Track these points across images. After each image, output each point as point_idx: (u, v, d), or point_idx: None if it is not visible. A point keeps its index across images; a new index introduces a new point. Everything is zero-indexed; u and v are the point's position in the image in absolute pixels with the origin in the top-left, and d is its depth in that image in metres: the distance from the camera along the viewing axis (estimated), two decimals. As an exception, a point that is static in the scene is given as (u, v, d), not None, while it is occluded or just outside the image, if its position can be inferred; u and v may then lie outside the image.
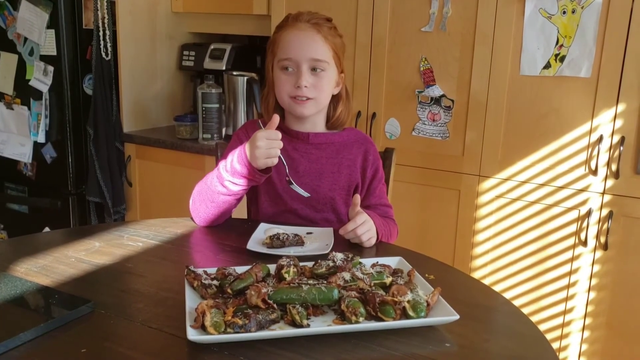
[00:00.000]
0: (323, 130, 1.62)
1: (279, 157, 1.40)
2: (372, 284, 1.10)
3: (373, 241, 1.41)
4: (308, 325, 0.99)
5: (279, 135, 1.38)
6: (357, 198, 1.43)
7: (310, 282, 1.06)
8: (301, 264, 1.18)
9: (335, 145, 1.60)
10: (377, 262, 1.21)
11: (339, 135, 1.62)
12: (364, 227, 1.38)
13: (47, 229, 2.95)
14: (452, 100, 2.25)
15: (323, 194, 1.56)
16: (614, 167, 2.01)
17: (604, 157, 2.03)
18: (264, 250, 1.32)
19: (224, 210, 1.48)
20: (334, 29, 1.54)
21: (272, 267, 1.16)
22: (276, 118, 1.40)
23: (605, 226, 2.05)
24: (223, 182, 1.43)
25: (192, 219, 1.53)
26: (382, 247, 1.43)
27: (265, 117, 1.62)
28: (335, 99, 1.60)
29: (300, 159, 1.58)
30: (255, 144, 1.36)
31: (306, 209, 1.56)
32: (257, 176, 1.41)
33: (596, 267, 2.10)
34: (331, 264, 1.16)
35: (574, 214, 2.10)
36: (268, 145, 1.36)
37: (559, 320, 2.19)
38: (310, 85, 1.50)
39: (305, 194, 1.48)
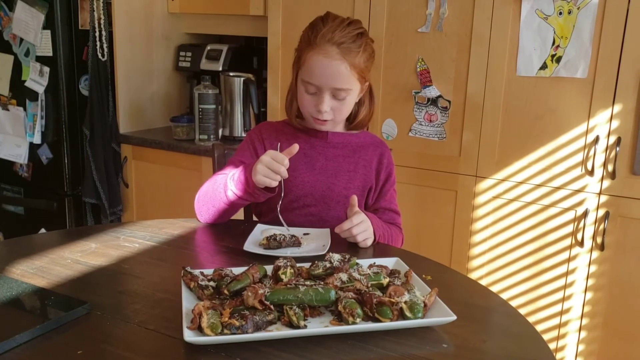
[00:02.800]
0: (342, 130, 1.64)
1: (280, 183, 1.40)
2: (369, 285, 1.10)
3: (369, 242, 1.41)
4: (305, 326, 0.99)
5: (285, 160, 1.36)
6: (354, 199, 1.44)
7: (307, 283, 1.06)
8: (298, 264, 1.18)
9: (352, 146, 1.62)
10: (374, 263, 1.21)
11: (356, 136, 1.63)
12: (360, 227, 1.38)
13: (42, 230, 2.95)
14: (449, 101, 2.25)
15: (337, 192, 1.57)
16: (610, 167, 2.02)
17: (600, 158, 2.03)
18: (261, 251, 1.32)
19: (225, 214, 1.51)
20: (364, 46, 1.49)
21: (269, 268, 1.16)
22: (295, 148, 1.39)
23: (601, 227, 2.05)
24: (226, 191, 1.45)
25: (197, 219, 1.54)
26: (379, 248, 1.43)
27: (288, 111, 1.63)
28: (357, 104, 1.60)
29: (317, 156, 1.59)
30: (259, 159, 1.37)
31: (319, 205, 1.57)
32: (257, 193, 1.41)
33: (593, 268, 2.10)
34: (328, 264, 1.16)
35: (570, 215, 2.11)
36: (270, 164, 1.35)
37: (556, 321, 2.19)
38: (330, 109, 1.51)
39: (285, 225, 1.47)
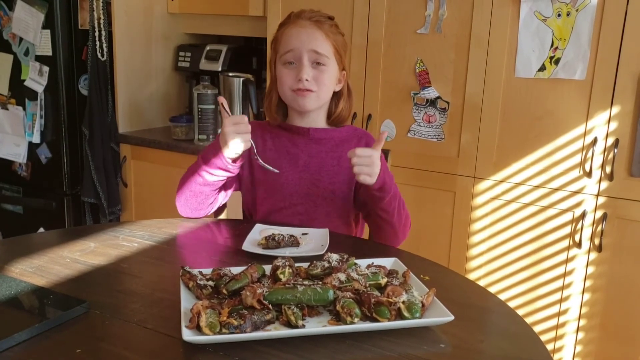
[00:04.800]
0: (323, 126, 1.64)
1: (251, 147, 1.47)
2: (367, 285, 1.11)
3: (367, 180, 1.40)
4: (303, 326, 0.99)
5: (245, 118, 1.44)
6: (384, 134, 1.46)
7: (306, 282, 1.06)
8: (296, 264, 1.19)
9: (335, 140, 1.62)
10: (372, 263, 1.21)
11: (339, 131, 1.64)
12: (360, 160, 1.38)
13: (41, 230, 2.95)
14: (448, 102, 2.25)
15: (323, 188, 1.57)
16: (608, 169, 2.02)
17: (598, 160, 2.04)
18: (260, 251, 1.33)
19: (202, 200, 1.53)
20: (335, 27, 1.57)
21: (268, 268, 1.16)
22: (222, 99, 1.47)
23: (599, 228, 2.06)
24: (200, 172, 1.48)
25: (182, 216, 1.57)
26: (377, 248, 1.43)
27: (267, 115, 1.65)
28: (336, 96, 1.62)
29: (300, 153, 1.59)
30: (224, 131, 1.42)
31: (306, 203, 1.57)
32: (230, 166, 1.46)
33: (590, 269, 2.10)
34: (326, 264, 1.16)
35: (568, 216, 2.11)
36: (237, 129, 1.42)
37: (553, 322, 2.20)
38: (312, 78, 1.52)
39: (274, 170, 1.51)
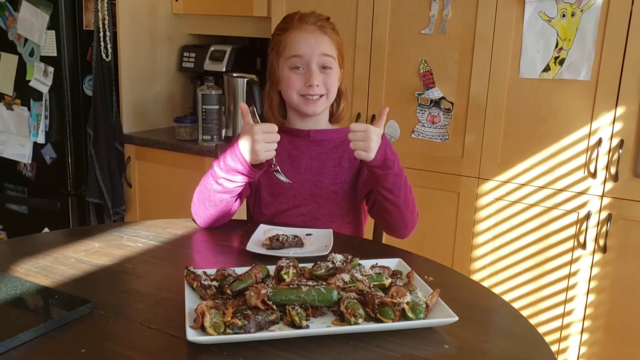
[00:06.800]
0: (324, 127, 1.65)
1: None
2: (371, 286, 1.11)
3: (362, 155, 1.39)
4: (307, 327, 0.99)
5: (275, 127, 1.41)
6: (385, 110, 1.46)
7: (310, 283, 1.06)
8: (300, 265, 1.19)
9: (335, 141, 1.62)
10: (377, 264, 1.21)
11: (339, 131, 1.64)
12: (355, 135, 1.37)
13: (46, 230, 2.96)
14: (452, 103, 2.25)
15: (325, 189, 1.58)
16: (613, 170, 2.02)
17: (603, 160, 2.03)
18: (264, 251, 1.33)
19: (222, 209, 1.48)
20: (335, 29, 1.59)
21: (272, 268, 1.17)
22: (244, 106, 1.44)
23: (604, 229, 2.05)
24: (218, 180, 1.44)
25: (194, 221, 1.54)
26: (381, 249, 1.43)
27: (268, 114, 1.65)
28: (337, 94, 1.63)
29: (301, 156, 1.60)
30: (253, 138, 1.38)
31: (309, 204, 1.57)
32: (252, 172, 1.42)
33: (595, 270, 2.10)
34: (330, 265, 1.16)
35: (573, 217, 2.11)
36: (266, 138, 1.39)
37: (557, 323, 2.19)
38: (321, 83, 1.54)
39: (287, 180, 1.51)
